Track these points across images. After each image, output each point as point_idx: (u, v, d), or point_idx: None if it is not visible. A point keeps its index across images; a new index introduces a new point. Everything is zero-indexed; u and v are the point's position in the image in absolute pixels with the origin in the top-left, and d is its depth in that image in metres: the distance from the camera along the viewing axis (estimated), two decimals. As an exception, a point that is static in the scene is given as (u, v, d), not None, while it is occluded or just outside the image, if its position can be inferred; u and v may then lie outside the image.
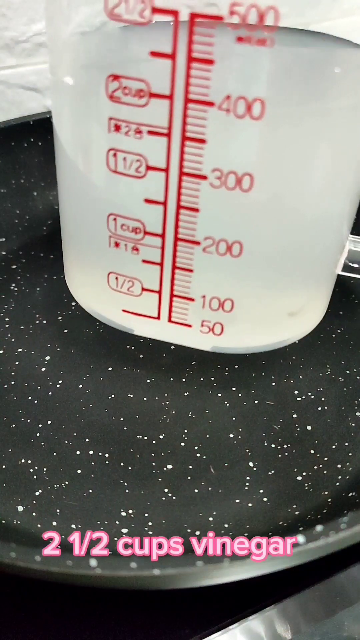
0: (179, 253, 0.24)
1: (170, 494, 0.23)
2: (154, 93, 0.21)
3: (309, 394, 0.27)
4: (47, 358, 0.29)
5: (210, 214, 0.23)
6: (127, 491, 0.23)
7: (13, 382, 0.28)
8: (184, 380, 0.28)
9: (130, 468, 0.24)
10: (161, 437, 0.25)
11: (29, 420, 0.26)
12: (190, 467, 0.24)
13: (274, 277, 0.26)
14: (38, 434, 0.25)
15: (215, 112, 0.20)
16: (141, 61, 0.21)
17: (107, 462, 0.24)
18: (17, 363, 0.28)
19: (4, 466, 0.24)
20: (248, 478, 0.24)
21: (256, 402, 0.27)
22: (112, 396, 0.27)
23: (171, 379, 0.28)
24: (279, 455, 0.25)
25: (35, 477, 0.24)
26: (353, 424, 0.26)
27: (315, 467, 0.24)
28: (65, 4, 0.23)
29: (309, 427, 0.26)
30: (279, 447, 0.25)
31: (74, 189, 0.26)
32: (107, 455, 0.25)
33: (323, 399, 0.27)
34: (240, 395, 0.27)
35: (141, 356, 0.29)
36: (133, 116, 0.21)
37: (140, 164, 0.22)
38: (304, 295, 0.28)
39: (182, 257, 0.25)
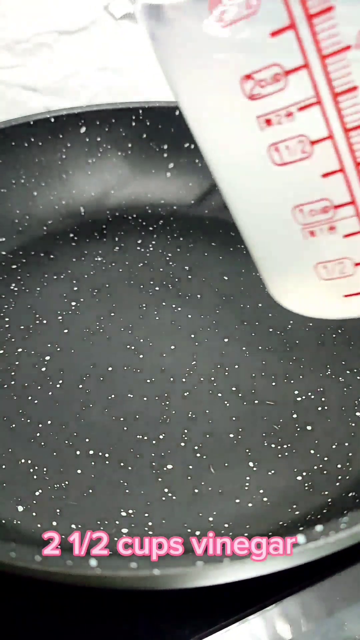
0: None
1: (170, 494, 0.23)
2: (289, 70, 0.20)
3: (309, 394, 0.27)
4: (47, 358, 0.29)
5: None
6: (127, 491, 0.23)
7: (13, 382, 0.28)
8: (183, 380, 0.28)
9: (130, 468, 0.24)
10: (161, 437, 0.25)
11: (29, 420, 0.26)
12: (190, 467, 0.24)
13: None
14: (38, 434, 0.25)
15: (354, 53, 0.20)
16: (265, 47, 0.20)
17: (107, 462, 0.24)
18: (17, 363, 0.28)
19: (4, 466, 0.24)
20: (248, 478, 0.24)
21: (256, 402, 0.27)
22: (112, 396, 0.27)
23: (171, 379, 0.28)
24: (279, 455, 0.25)
25: (35, 477, 0.24)
26: (353, 424, 0.26)
27: (315, 467, 0.24)
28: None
29: (309, 427, 0.26)
30: (279, 447, 0.25)
31: (248, 202, 0.25)
32: (107, 455, 0.25)
33: (323, 399, 0.27)
34: (240, 395, 0.27)
35: (141, 356, 0.29)
36: (278, 103, 0.21)
37: (304, 144, 0.22)
38: None
39: None
